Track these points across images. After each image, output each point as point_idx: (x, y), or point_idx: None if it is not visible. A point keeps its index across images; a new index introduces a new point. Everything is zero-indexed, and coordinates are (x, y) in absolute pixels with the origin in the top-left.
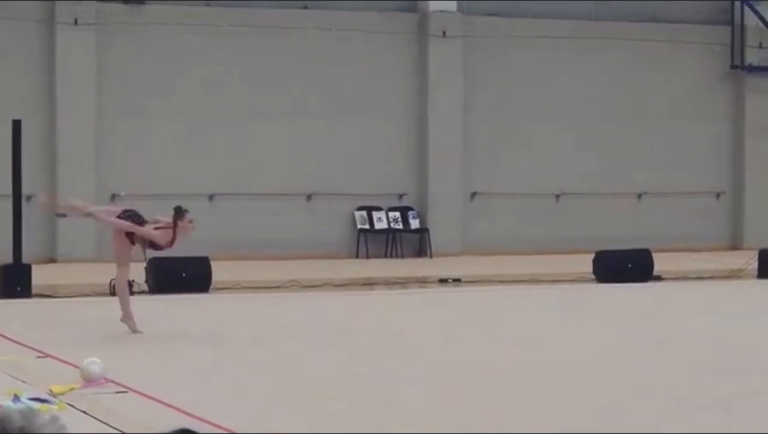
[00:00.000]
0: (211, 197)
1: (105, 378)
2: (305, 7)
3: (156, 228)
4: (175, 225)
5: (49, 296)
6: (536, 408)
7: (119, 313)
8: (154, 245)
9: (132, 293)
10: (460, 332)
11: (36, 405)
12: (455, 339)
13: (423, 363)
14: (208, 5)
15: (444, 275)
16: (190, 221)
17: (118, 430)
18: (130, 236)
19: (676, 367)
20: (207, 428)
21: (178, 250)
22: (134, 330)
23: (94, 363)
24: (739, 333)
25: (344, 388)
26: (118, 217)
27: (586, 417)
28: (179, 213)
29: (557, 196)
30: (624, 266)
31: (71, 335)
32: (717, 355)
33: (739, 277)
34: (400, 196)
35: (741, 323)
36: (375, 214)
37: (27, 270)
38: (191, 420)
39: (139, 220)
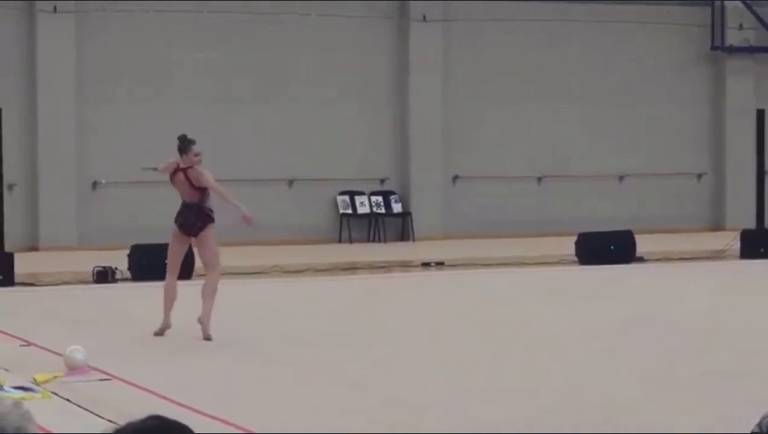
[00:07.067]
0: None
1: (88, 366)
2: None
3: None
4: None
5: (32, 284)
6: (515, 390)
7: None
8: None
9: (114, 280)
10: (445, 315)
11: (18, 393)
12: (441, 323)
13: (407, 347)
14: None
15: (427, 259)
16: (196, 154)
17: (102, 417)
18: None
19: (661, 348)
20: (188, 413)
21: (160, 237)
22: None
23: (77, 351)
24: (723, 313)
25: (324, 372)
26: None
27: (566, 399)
28: (183, 143)
29: (539, 179)
30: (606, 248)
31: (54, 323)
32: (704, 335)
33: (722, 258)
34: (382, 181)
35: (725, 303)
36: (357, 199)
37: (9, 258)
38: (174, 406)
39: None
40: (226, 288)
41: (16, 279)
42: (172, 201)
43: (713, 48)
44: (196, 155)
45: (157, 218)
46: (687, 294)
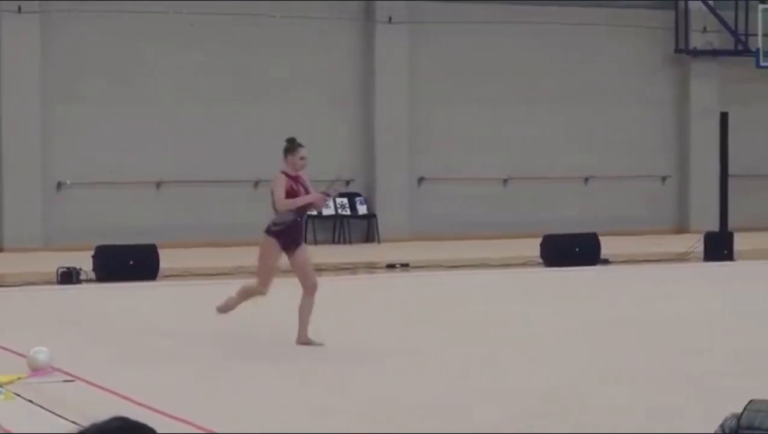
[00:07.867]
0: (158, 184)
1: (52, 367)
2: None
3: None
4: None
5: None
6: (496, 391)
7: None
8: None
9: (79, 281)
10: (411, 317)
11: None
12: (407, 324)
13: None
14: None
15: (392, 260)
16: (302, 158)
17: (65, 418)
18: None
19: (630, 349)
20: (151, 415)
21: (125, 238)
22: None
23: (40, 352)
24: (688, 315)
25: (294, 373)
26: None
27: (548, 400)
28: (291, 146)
29: (504, 181)
30: (571, 250)
31: (18, 324)
32: (671, 336)
33: (686, 260)
34: (348, 182)
35: (689, 305)
36: None
37: None
38: (138, 407)
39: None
40: (191, 289)
41: None
42: (136, 202)
43: (677, 51)
44: (302, 158)
45: (122, 219)
46: (650, 296)
